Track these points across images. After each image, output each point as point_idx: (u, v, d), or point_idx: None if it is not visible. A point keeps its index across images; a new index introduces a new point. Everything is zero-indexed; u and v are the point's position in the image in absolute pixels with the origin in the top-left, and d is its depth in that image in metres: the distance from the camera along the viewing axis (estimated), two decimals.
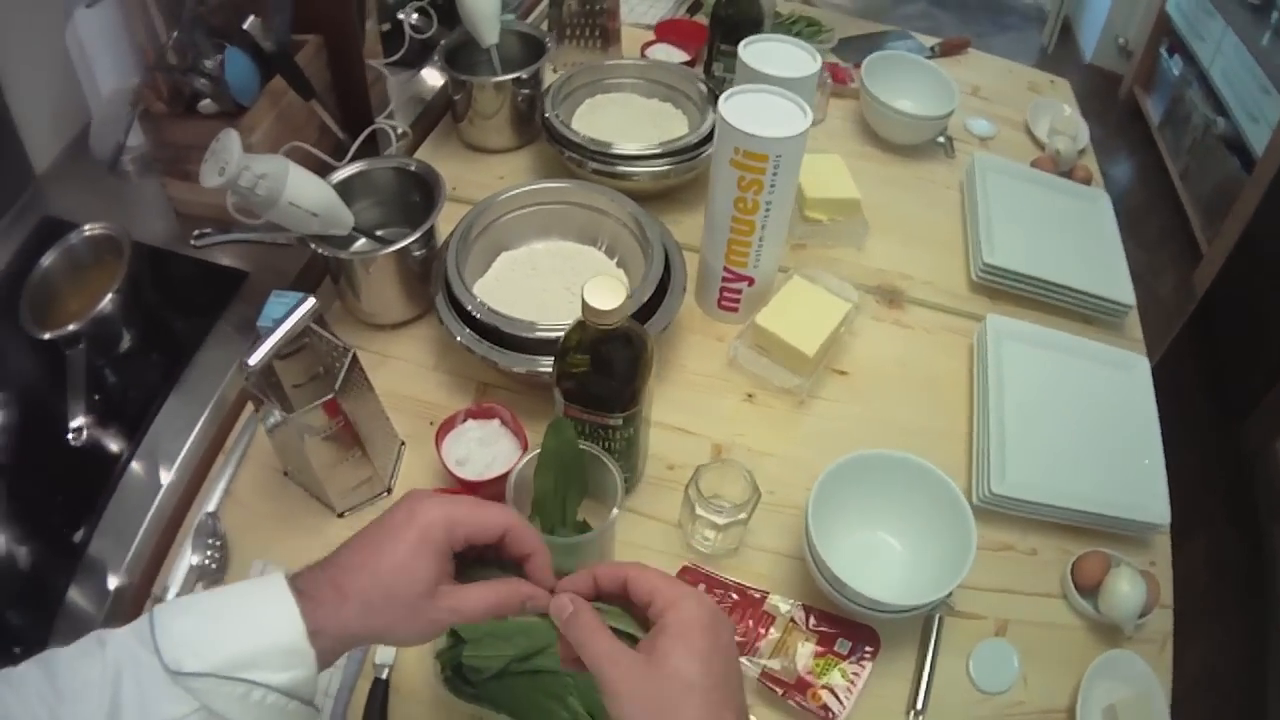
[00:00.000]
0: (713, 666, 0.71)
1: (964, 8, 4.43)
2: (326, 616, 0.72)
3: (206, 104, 1.46)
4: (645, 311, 1.30)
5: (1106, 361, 1.49)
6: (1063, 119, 2.00)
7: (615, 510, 1.07)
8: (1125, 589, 1.17)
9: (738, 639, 1.12)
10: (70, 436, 1.28)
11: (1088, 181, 1.85)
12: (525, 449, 1.23)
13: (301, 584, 0.73)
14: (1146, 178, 3.52)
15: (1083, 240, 1.69)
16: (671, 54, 1.97)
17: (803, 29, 2.14)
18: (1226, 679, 1.97)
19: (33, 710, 0.65)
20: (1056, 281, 1.57)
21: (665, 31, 2.07)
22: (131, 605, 1.18)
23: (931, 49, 2.19)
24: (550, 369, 1.16)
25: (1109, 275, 1.62)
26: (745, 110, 1.26)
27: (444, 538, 0.76)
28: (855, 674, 1.12)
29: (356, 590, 0.73)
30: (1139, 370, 1.48)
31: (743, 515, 1.17)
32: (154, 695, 0.66)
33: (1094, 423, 1.40)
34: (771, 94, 1.31)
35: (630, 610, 0.79)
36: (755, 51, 1.42)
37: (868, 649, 1.15)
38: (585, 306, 0.99)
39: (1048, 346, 1.49)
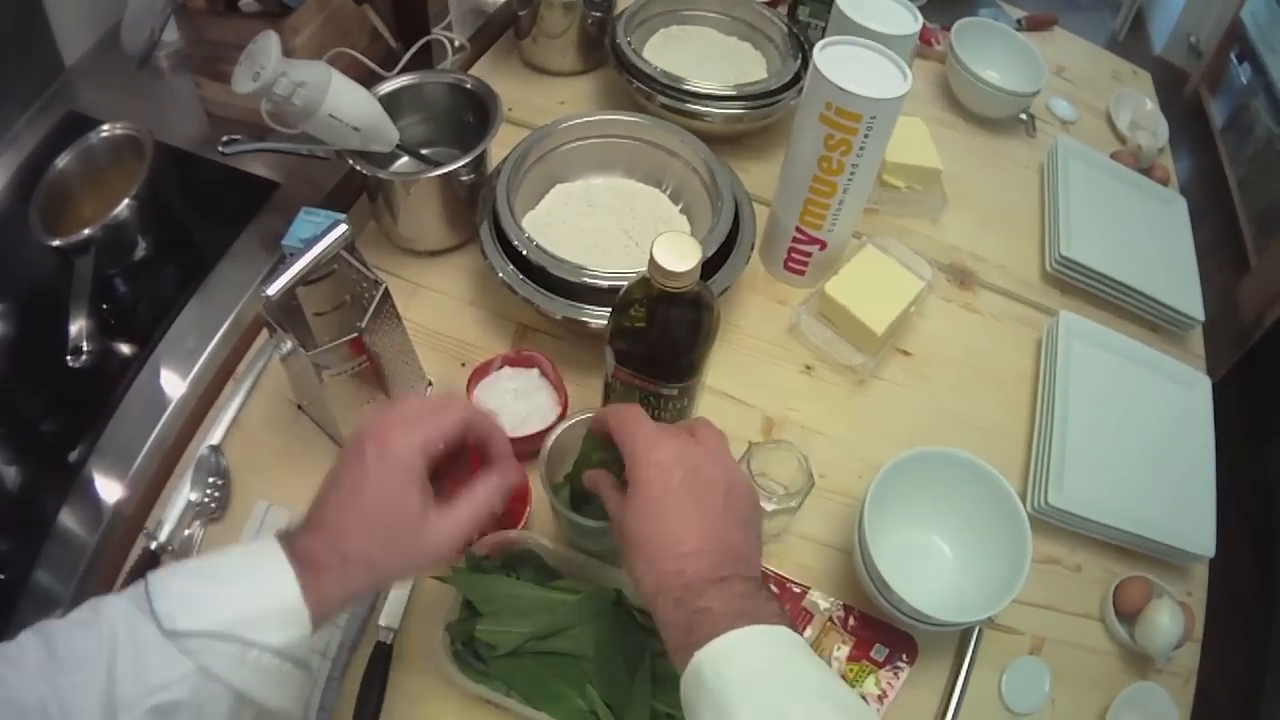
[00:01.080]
0: (651, 519, 0.79)
1: None
2: (332, 583, 0.74)
3: (248, 1, 1.38)
4: (707, 268, 1.21)
5: (1170, 376, 1.44)
6: (1144, 113, 1.96)
7: None
8: (1165, 621, 1.14)
9: None
10: (69, 349, 1.23)
11: (1165, 182, 1.80)
12: (565, 405, 1.17)
13: (300, 550, 0.74)
14: (1203, 180, 3.43)
15: (1158, 244, 1.64)
16: None
17: None
18: (1226, 711, 1.94)
19: (32, 682, 0.65)
20: (1130, 284, 1.52)
21: None
22: (125, 536, 1.12)
23: (1019, 21, 2.12)
24: (597, 319, 1.13)
25: (1181, 284, 1.57)
26: (840, 63, 1.18)
27: (421, 464, 0.78)
28: (889, 684, 1.09)
29: (359, 552, 0.75)
30: (1200, 390, 1.44)
31: (793, 503, 1.11)
32: (150, 658, 0.66)
33: (1153, 441, 1.36)
34: (869, 49, 1.23)
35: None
36: (853, 2, 1.33)
37: (904, 658, 1.11)
38: (653, 264, 0.89)
39: (1117, 353, 1.43)
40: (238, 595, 0.70)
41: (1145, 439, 1.34)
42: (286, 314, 1.04)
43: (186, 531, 1.11)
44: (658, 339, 0.99)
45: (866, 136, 1.19)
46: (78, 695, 0.64)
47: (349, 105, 1.19)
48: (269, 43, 1.11)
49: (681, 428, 0.86)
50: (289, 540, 0.74)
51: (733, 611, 0.74)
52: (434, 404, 0.83)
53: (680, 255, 0.88)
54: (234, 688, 0.68)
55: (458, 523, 0.79)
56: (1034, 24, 2.14)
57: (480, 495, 0.82)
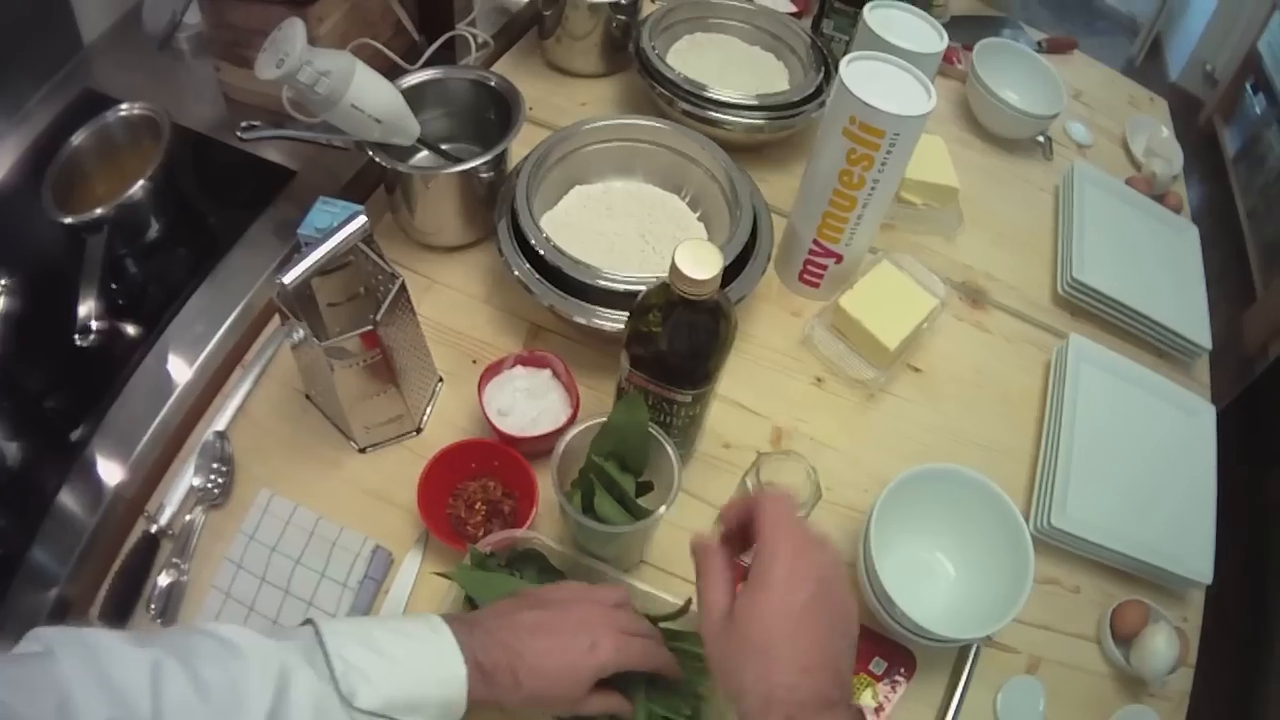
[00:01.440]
0: (771, 629, 0.74)
1: (1061, 5, 4.39)
2: (497, 696, 0.82)
3: None
4: (724, 277, 1.20)
5: (1176, 403, 1.44)
6: (1160, 140, 1.94)
7: (664, 508, 1.00)
8: (1161, 646, 1.15)
9: None
10: (78, 329, 1.21)
11: (1178, 210, 1.80)
12: (576, 409, 1.16)
13: (480, 654, 0.82)
14: (1213, 209, 3.43)
15: (1168, 271, 1.64)
16: (779, 2, 1.86)
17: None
18: None
19: (162, 707, 0.66)
20: (1140, 310, 1.51)
21: None
22: (124, 518, 1.12)
23: (1039, 44, 2.11)
24: (612, 322, 1.12)
25: (1190, 312, 1.57)
26: (866, 78, 1.17)
27: (614, 669, 0.86)
28: (886, 697, 1.09)
29: (531, 688, 0.83)
30: (1204, 418, 1.44)
31: (800, 515, 1.07)
32: (322, 717, 0.72)
33: (1156, 466, 1.36)
34: (895, 65, 1.23)
35: None
36: (880, 17, 1.33)
37: (902, 672, 1.11)
38: (675, 271, 0.89)
39: (1125, 378, 1.43)
40: (414, 681, 0.77)
41: (1148, 464, 1.34)
42: (300, 303, 1.04)
43: (188, 517, 1.11)
44: (675, 345, 0.98)
45: (889, 153, 1.18)
46: None
47: (372, 96, 1.18)
48: (294, 30, 1.10)
49: (813, 535, 0.82)
50: (468, 637, 0.82)
51: None
52: (655, 648, 0.91)
53: (702, 263, 0.88)
54: None
55: (608, 700, 0.88)
56: (1054, 47, 2.13)
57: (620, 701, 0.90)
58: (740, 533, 0.84)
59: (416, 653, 0.79)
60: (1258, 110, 3.68)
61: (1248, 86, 3.83)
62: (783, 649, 0.74)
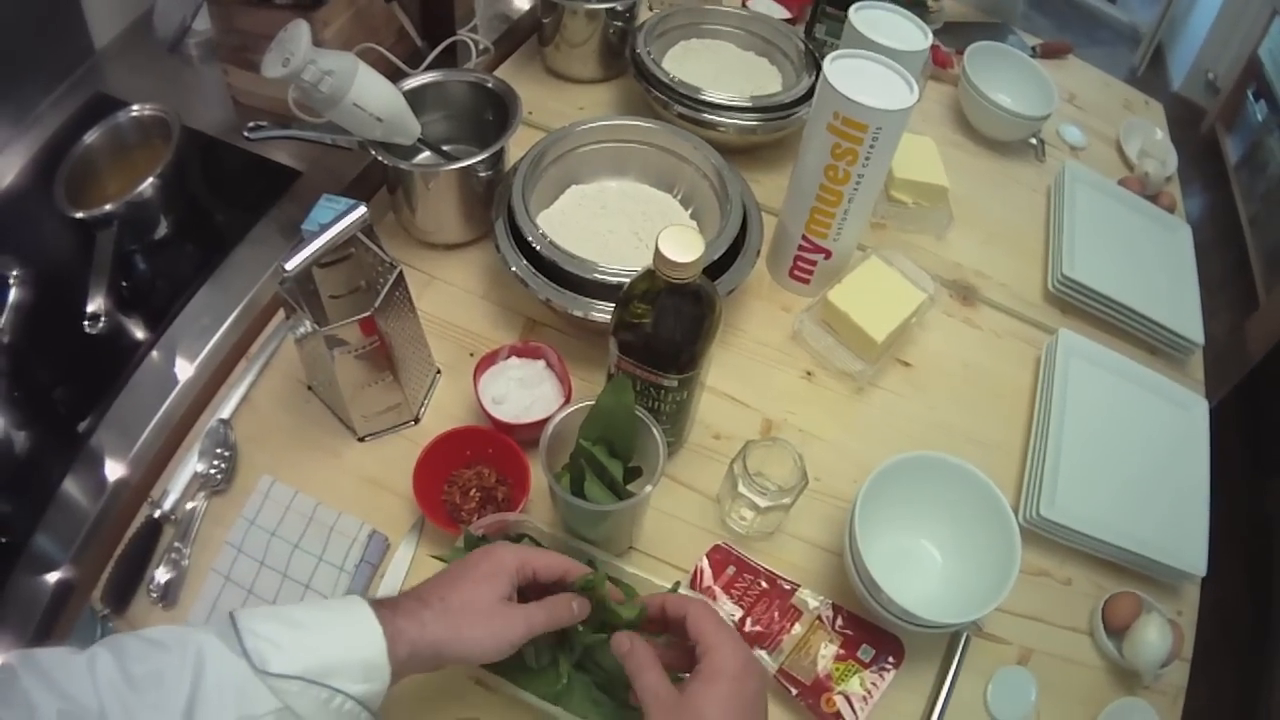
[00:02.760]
0: (729, 711, 0.81)
1: (1062, 15, 4.40)
2: (406, 619, 0.81)
3: None
4: (713, 271, 1.25)
5: (1168, 398, 1.44)
6: (1154, 142, 1.95)
7: (649, 487, 1.02)
8: (1153, 637, 1.15)
9: (760, 629, 1.11)
10: (87, 321, 1.24)
11: (1171, 209, 1.80)
12: (569, 397, 1.19)
13: (382, 600, 0.83)
14: (1216, 216, 3.44)
15: (1160, 268, 1.64)
16: (772, 8, 1.89)
17: (909, 4, 2.06)
18: None
19: (99, 696, 0.69)
20: (1131, 306, 1.52)
21: None
22: (128, 505, 1.14)
23: (1033, 49, 2.13)
24: (605, 315, 1.13)
25: (1182, 309, 1.57)
26: (850, 75, 1.19)
27: (515, 569, 0.89)
28: (874, 684, 1.09)
29: (435, 597, 0.84)
30: (1197, 412, 1.44)
31: (786, 500, 1.12)
32: (238, 690, 0.71)
33: (1148, 459, 1.36)
34: (878, 63, 1.24)
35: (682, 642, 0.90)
36: (866, 17, 1.35)
37: (890, 659, 1.11)
38: (658, 255, 0.92)
39: (1115, 372, 1.44)
40: (329, 645, 0.77)
41: (1140, 457, 1.35)
42: (303, 295, 1.07)
43: (190, 504, 1.13)
44: (660, 330, 1.00)
45: (872, 147, 1.20)
46: (154, 714, 0.69)
47: (374, 96, 1.21)
48: (300, 31, 1.13)
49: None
50: (375, 601, 0.82)
51: None
52: (551, 552, 0.95)
53: (684, 247, 0.91)
54: None
55: (531, 614, 0.87)
56: (1048, 51, 2.14)
57: (552, 603, 0.90)
58: (658, 624, 0.92)
59: (329, 620, 0.79)
60: (1259, 117, 3.68)
61: (1249, 94, 3.84)
62: None
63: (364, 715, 0.78)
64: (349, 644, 0.78)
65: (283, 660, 0.73)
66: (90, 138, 1.36)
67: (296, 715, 0.73)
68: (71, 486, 1.13)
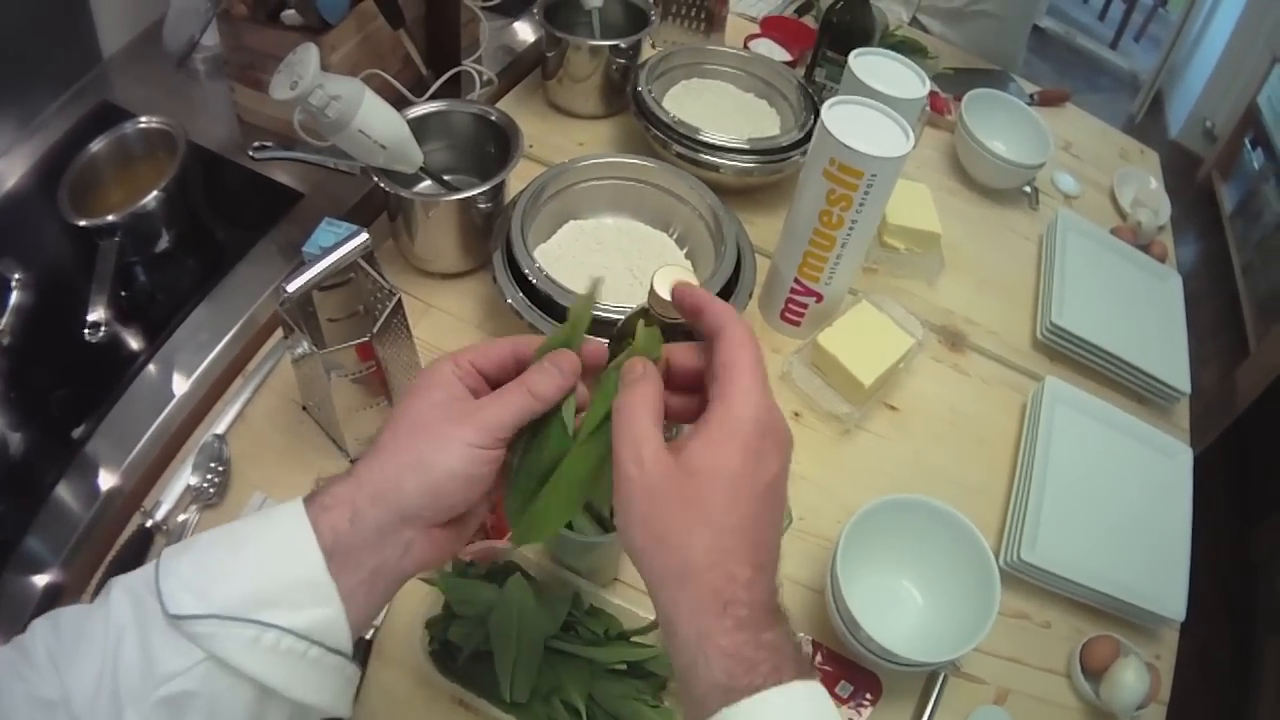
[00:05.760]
0: (734, 501, 0.60)
1: (1062, 62, 4.45)
2: (341, 508, 0.63)
3: (291, 14, 1.41)
4: None
5: (1152, 445, 1.45)
6: (1147, 191, 1.97)
7: None
8: (1130, 680, 1.15)
9: None
10: (87, 330, 1.24)
11: (1163, 259, 1.81)
12: None
13: (323, 497, 0.64)
14: (1209, 264, 3.48)
15: (1149, 318, 1.66)
16: (773, 50, 1.92)
17: (909, 51, 2.08)
18: None
19: (45, 674, 0.59)
20: (1118, 355, 1.53)
21: (770, 27, 2.02)
22: (120, 513, 1.15)
23: (1031, 97, 2.14)
24: None
25: (1169, 358, 1.58)
26: (847, 121, 1.21)
27: (450, 371, 0.68)
28: None
29: (375, 448, 0.65)
30: (1181, 460, 1.45)
31: None
32: (156, 647, 0.58)
33: (1130, 505, 1.37)
34: (876, 110, 1.26)
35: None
36: (865, 64, 1.37)
37: (868, 696, 1.12)
38: (652, 294, 0.92)
39: (1100, 420, 1.45)
40: (249, 567, 0.61)
41: (1123, 503, 1.36)
42: (302, 316, 1.08)
43: (181, 517, 1.14)
44: None
45: (866, 194, 1.22)
46: (82, 686, 0.58)
47: (379, 123, 1.22)
48: (309, 55, 1.14)
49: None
50: (311, 498, 0.65)
51: (797, 657, 0.59)
52: (488, 341, 0.71)
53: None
54: (251, 677, 0.59)
55: (489, 412, 0.66)
56: (1046, 99, 2.16)
57: (515, 389, 0.68)
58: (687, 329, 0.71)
59: (248, 534, 0.63)
60: (1255, 165, 3.72)
61: (1246, 142, 3.88)
62: (744, 528, 0.60)
63: (314, 652, 0.61)
64: (273, 561, 0.61)
65: (196, 598, 0.58)
66: (95, 146, 1.36)
67: (226, 664, 0.58)
68: (65, 491, 1.13)
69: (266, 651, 0.59)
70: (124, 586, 0.61)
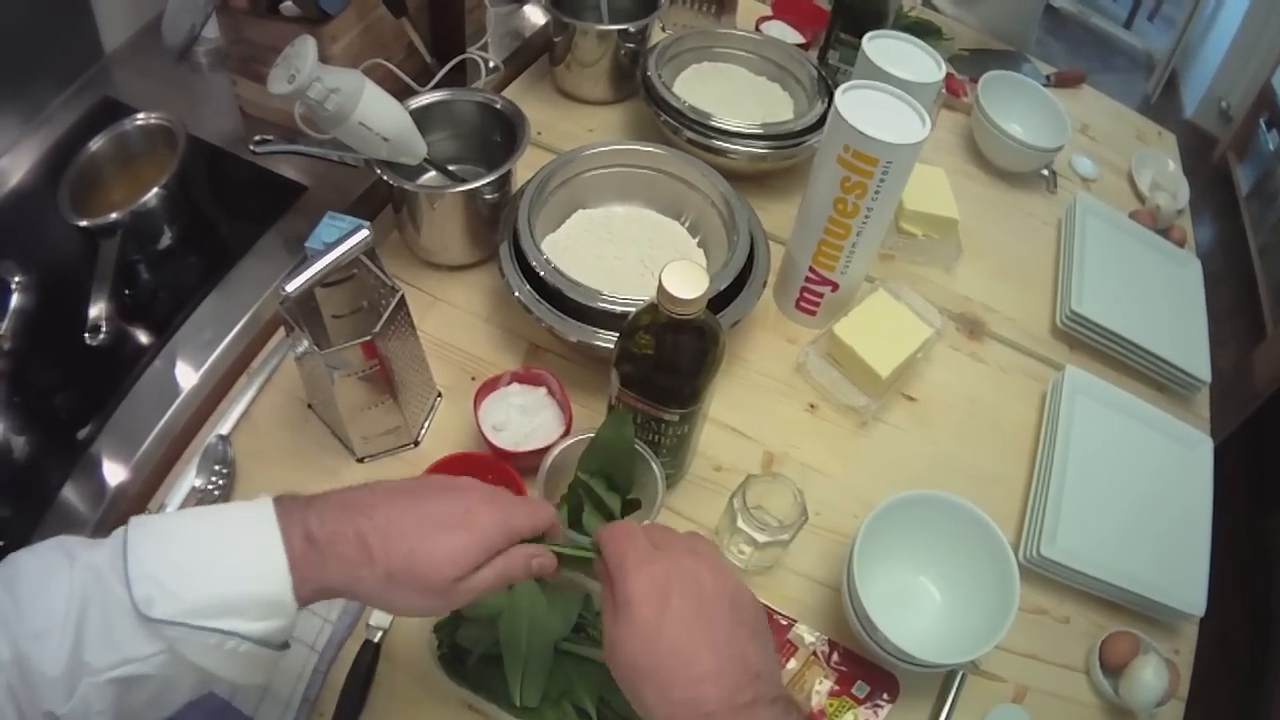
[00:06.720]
0: (654, 644, 0.69)
1: (1077, 41, 4.41)
2: (340, 573, 0.69)
3: (289, 5, 1.39)
4: (719, 301, 1.24)
5: (1173, 436, 1.43)
6: (1166, 174, 1.94)
7: (647, 521, 1.01)
8: (1150, 678, 1.14)
9: None
10: (88, 329, 1.23)
11: (1182, 243, 1.79)
12: (569, 426, 1.18)
13: (314, 526, 0.70)
14: (1225, 246, 3.45)
15: (1169, 305, 1.63)
16: (786, 33, 1.90)
17: (923, 32, 2.05)
18: None
19: None
20: (1139, 343, 1.51)
21: (783, 9, 1.99)
22: (126, 514, 1.10)
23: (1048, 78, 2.11)
24: (608, 344, 1.12)
25: (1190, 346, 1.57)
26: (861, 107, 1.18)
27: (503, 544, 0.75)
28: None
29: (387, 561, 0.71)
30: (1201, 451, 1.43)
31: (785, 536, 1.11)
32: (119, 631, 0.64)
33: (1150, 498, 1.35)
34: (891, 95, 1.24)
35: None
36: (879, 47, 1.34)
37: (885, 696, 1.11)
38: (661, 290, 0.91)
39: (1120, 410, 1.43)
40: (222, 578, 0.66)
41: (1143, 496, 1.34)
42: (305, 314, 1.07)
43: None
44: (662, 364, 1.00)
45: (882, 180, 1.19)
46: (40, 650, 0.62)
47: (380, 115, 1.20)
48: (306, 47, 1.13)
49: (675, 540, 0.77)
50: (304, 510, 0.70)
51: None
52: (532, 501, 0.83)
53: (688, 283, 0.90)
54: (204, 670, 0.66)
55: (478, 581, 0.74)
56: (1062, 81, 2.13)
57: (504, 562, 0.76)
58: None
59: (225, 538, 0.68)
60: (1270, 147, 3.69)
61: (1261, 122, 3.84)
62: (668, 665, 0.69)
63: (264, 654, 0.68)
64: (245, 579, 0.67)
65: (168, 601, 0.64)
66: (96, 145, 1.35)
67: (185, 659, 0.64)
68: (71, 493, 1.12)
69: (226, 654, 0.66)
70: (88, 564, 0.65)
